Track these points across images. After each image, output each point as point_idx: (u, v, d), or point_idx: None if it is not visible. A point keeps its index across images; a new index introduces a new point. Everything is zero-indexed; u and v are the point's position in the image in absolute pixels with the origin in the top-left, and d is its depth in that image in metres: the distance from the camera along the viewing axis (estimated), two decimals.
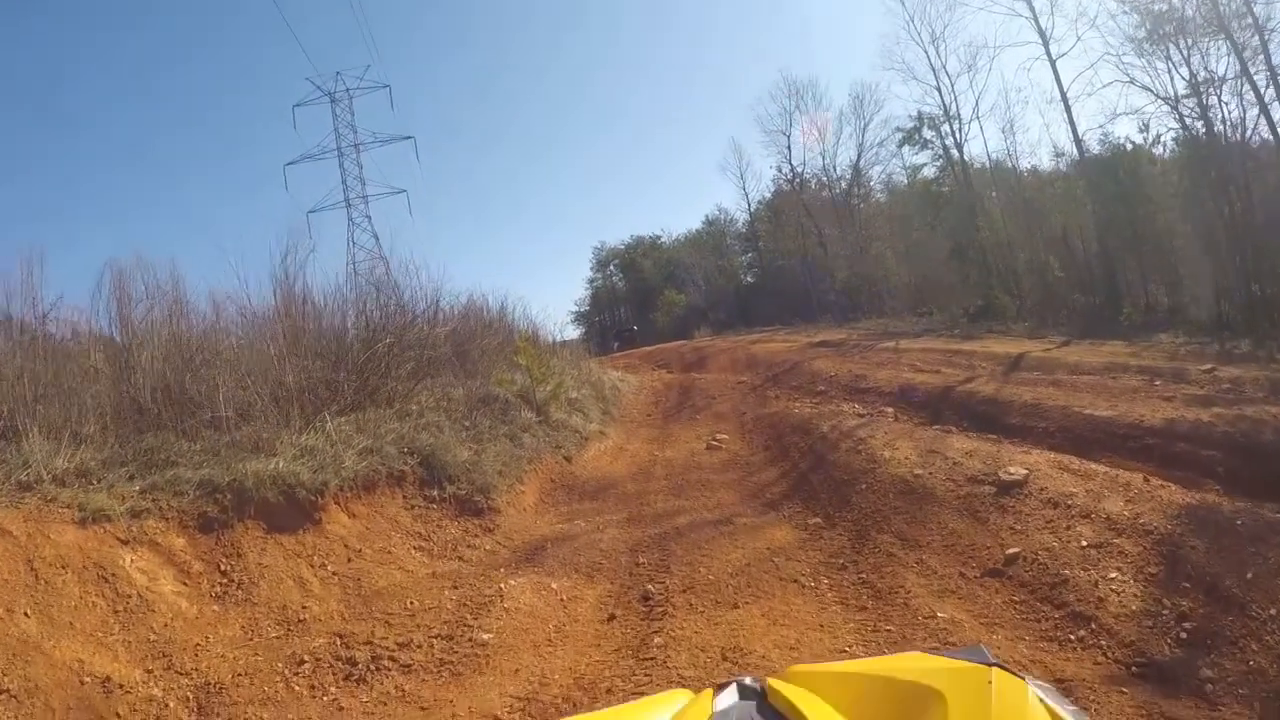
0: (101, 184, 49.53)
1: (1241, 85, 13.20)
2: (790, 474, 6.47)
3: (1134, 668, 2.81)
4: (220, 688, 3.18)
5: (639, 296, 40.69)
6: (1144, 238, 16.27)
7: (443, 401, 7.88)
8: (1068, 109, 16.80)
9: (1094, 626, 3.09)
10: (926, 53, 20.77)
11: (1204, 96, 13.75)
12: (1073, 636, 3.09)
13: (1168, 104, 14.47)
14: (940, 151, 21.91)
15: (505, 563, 4.84)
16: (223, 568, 4.02)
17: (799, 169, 28.71)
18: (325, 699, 3.18)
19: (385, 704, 3.13)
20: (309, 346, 7.07)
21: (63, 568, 3.41)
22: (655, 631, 3.56)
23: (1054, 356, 10.17)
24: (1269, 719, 2.41)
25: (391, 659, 3.42)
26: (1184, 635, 2.88)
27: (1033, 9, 17.10)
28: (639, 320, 37.40)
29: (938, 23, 20.92)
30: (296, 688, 3.24)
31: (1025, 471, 4.60)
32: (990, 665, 0.75)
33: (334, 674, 3.34)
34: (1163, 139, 16.13)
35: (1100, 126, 21.58)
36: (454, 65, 67.21)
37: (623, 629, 3.73)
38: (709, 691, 0.89)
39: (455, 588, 4.29)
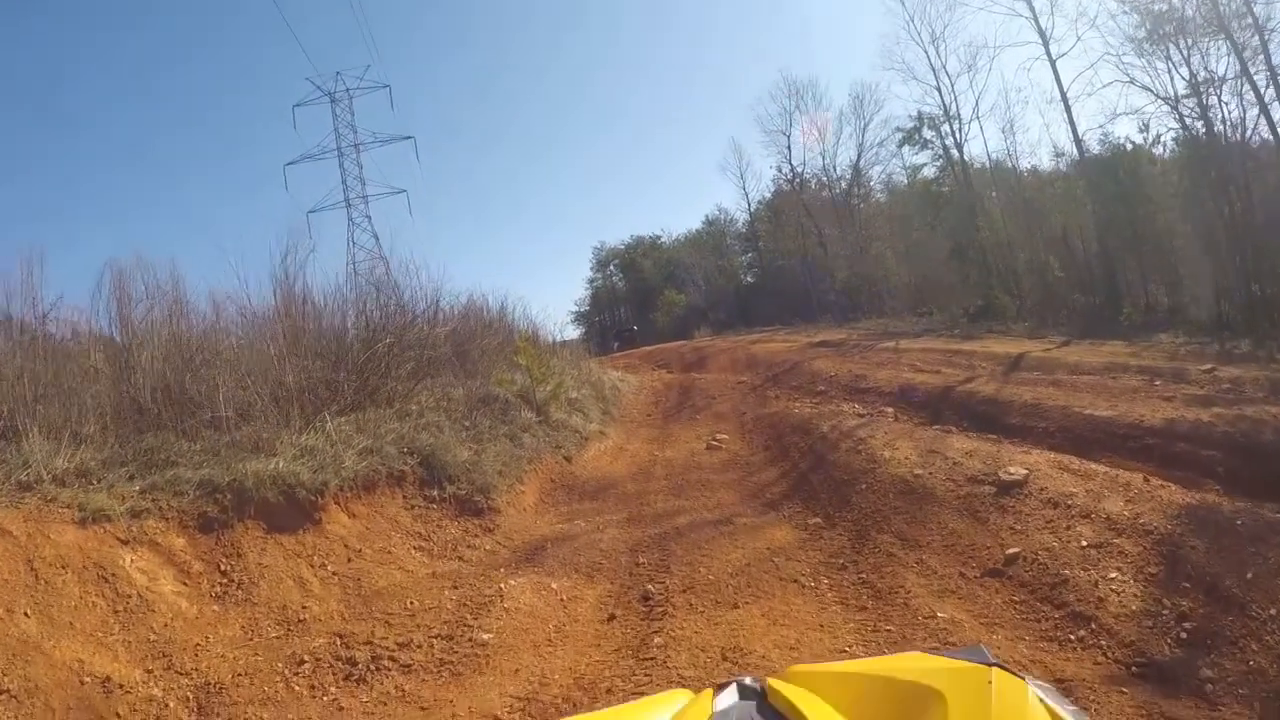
0: (101, 184, 49.65)
1: (1241, 85, 13.23)
2: (790, 474, 6.47)
3: (1134, 668, 2.80)
4: (220, 688, 3.18)
5: (639, 296, 40.68)
6: (1144, 238, 16.27)
7: (443, 401, 7.88)
8: (1068, 109, 16.85)
9: (1094, 626, 3.09)
10: (926, 53, 20.82)
11: (1204, 96, 13.77)
12: (1073, 636, 3.09)
13: (1168, 104, 14.49)
14: (940, 151, 21.95)
15: (505, 563, 4.84)
16: (223, 568, 4.02)
17: (799, 169, 28.79)
18: (325, 699, 3.19)
19: (385, 704, 3.13)
20: (309, 346, 7.07)
21: (63, 568, 3.41)
22: (655, 631, 3.56)
23: (1054, 356, 10.17)
24: (1269, 719, 2.41)
25: (391, 659, 3.42)
26: (1184, 635, 2.88)
27: (1033, 9, 17.14)
28: (639, 320, 37.38)
29: (938, 23, 20.98)
30: (296, 688, 3.24)
31: (1025, 471, 4.60)
32: (990, 665, 0.75)
33: (334, 674, 3.34)
34: (1163, 139, 16.18)
35: (1100, 126, 21.64)
36: (454, 65, 67.35)
37: (623, 629, 3.73)
38: (709, 691, 0.89)
39: (455, 588, 4.29)
